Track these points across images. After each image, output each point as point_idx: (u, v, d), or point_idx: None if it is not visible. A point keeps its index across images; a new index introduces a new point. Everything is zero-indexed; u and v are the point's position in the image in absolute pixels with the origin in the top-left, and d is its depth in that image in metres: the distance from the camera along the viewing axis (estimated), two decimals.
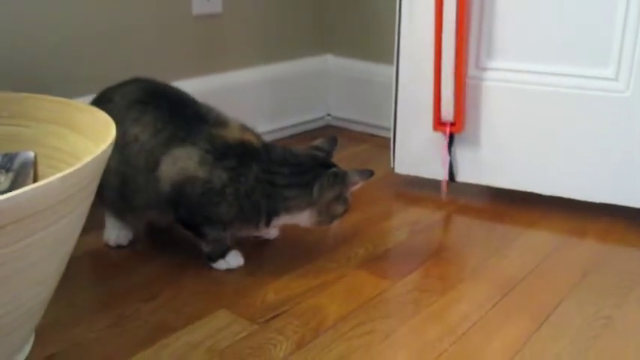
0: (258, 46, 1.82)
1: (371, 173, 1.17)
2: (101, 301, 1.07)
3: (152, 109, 1.15)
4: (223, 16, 1.69)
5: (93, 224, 0.96)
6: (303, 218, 1.16)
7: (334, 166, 1.18)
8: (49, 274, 0.82)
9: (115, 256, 1.21)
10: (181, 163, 1.11)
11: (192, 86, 1.56)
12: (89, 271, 1.17)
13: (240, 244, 1.21)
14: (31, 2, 1.33)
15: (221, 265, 1.18)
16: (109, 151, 0.85)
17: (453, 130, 1.46)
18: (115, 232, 1.24)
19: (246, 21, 1.77)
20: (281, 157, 1.15)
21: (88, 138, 0.99)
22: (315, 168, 1.15)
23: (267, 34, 1.83)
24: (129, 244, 1.24)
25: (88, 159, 0.78)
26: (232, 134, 1.15)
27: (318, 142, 1.23)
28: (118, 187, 1.15)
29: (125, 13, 1.49)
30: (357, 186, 1.17)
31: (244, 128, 1.17)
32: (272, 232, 1.28)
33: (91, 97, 1.21)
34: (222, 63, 1.71)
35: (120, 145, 1.06)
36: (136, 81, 1.22)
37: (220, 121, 1.17)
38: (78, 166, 0.75)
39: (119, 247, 1.23)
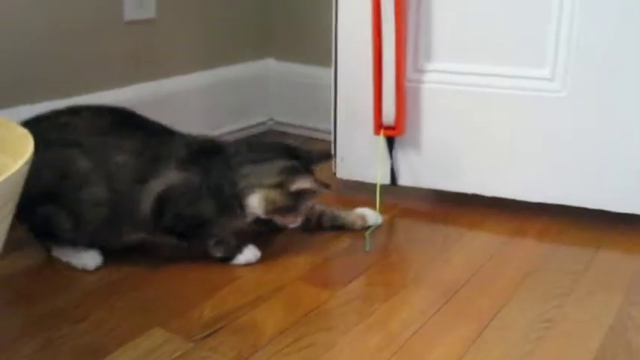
0: (196, 51, 1.77)
1: (326, 185, 1.18)
2: (26, 326, 1.02)
3: (128, 134, 1.16)
4: (157, 21, 1.64)
5: (8, 246, 0.91)
6: (255, 202, 1.16)
7: (306, 163, 1.21)
8: None
9: (38, 277, 1.16)
10: (166, 180, 1.14)
11: (126, 95, 1.52)
12: (10, 296, 1.11)
13: (168, 260, 1.18)
14: None
15: (239, 259, 1.19)
16: (26, 169, 0.80)
17: (393, 133, 1.44)
18: (89, 255, 1.18)
19: (183, 26, 1.72)
20: (246, 141, 1.25)
21: (4, 154, 0.93)
22: (278, 153, 1.20)
23: (206, 39, 1.79)
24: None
25: (2, 177, 0.73)
26: (202, 137, 1.22)
27: (311, 149, 1.32)
28: (103, 217, 1.13)
29: (52, 19, 1.43)
30: (306, 188, 1.17)
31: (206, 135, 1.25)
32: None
33: (12, 110, 1.15)
34: (158, 70, 1.66)
35: (105, 174, 1.11)
36: (88, 108, 1.20)
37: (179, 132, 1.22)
38: None
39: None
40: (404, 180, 1.48)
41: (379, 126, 1.44)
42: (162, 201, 1.13)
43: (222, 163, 1.17)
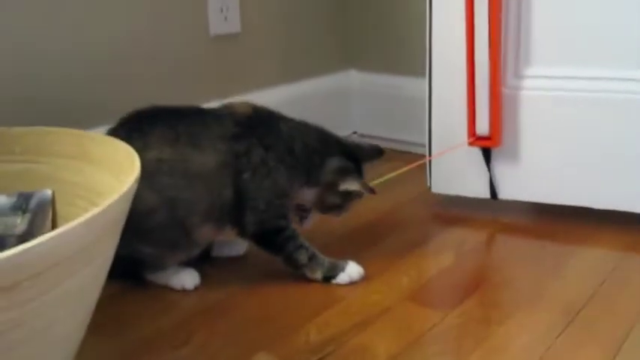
0: (278, 64, 1.74)
1: (372, 190, 1.16)
2: (128, 350, 0.98)
3: (149, 127, 1.10)
4: (242, 35, 1.62)
5: None
6: (306, 193, 1.16)
7: (358, 162, 1.19)
8: (74, 329, 0.73)
9: (134, 300, 1.12)
10: (221, 157, 1.10)
11: None
12: (112, 317, 1.07)
13: (269, 279, 1.14)
14: (40, 30, 1.26)
15: (343, 278, 1.14)
16: (136, 186, 0.77)
17: (489, 144, 1.36)
18: (186, 274, 1.14)
19: (266, 39, 1.69)
20: (301, 122, 1.20)
21: (106, 170, 0.91)
22: (333, 147, 1.18)
23: (288, 52, 1.75)
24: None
25: (114, 197, 0.69)
26: (243, 108, 1.16)
27: (364, 143, 1.27)
28: (167, 222, 1.08)
29: (140, 37, 1.42)
30: (354, 190, 1.16)
31: (246, 101, 1.19)
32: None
33: (107, 127, 1.13)
34: (243, 84, 1.63)
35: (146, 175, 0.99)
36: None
37: (221, 107, 1.18)
38: (103, 206, 0.67)
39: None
40: (504, 193, 1.40)
41: (473, 136, 1.37)
42: (233, 183, 1.09)
43: (290, 129, 1.16)
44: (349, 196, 1.18)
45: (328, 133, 1.22)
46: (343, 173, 1.16)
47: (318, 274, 1.13)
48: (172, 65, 1.49)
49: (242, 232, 1.14)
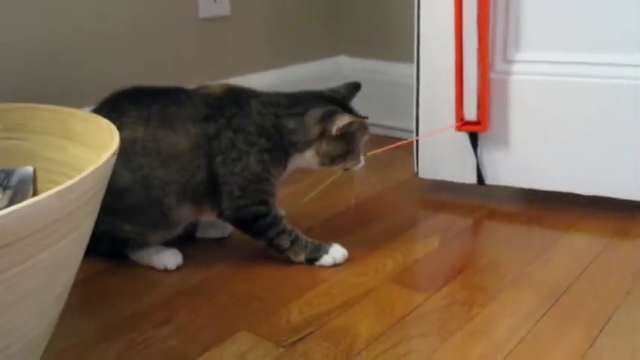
0: (268, 49, 1.73)
1: (364, 116, 1.15)
2: (110, 328, 0.98)
3: (126, 106, 1.09)
4: (231, 18, 1.60)
5: None
6: (309, 157, 1.13)
7: (341, 103, 1.15)
8: (49, 304, 0.72)
9: (118, 279, 1.12)
10: (192, 139, 1.07)
11: None
12: (94, 295, 1.07)
13: (253, 260, 1.13)
14: (26, 7, 1.24)
15: (327, 260, 1.13)
16: (113, 161, 0.76)
17: (477, 129, 1.36)
18: (168, 254, 1.14)
19: (256, 23, 1.68)
20: (276, 93, 1.16)
21: (90, 148, 0.90)
22: (313, 101, 1.13)
23: (278, 37, 1.74)
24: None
25: (88, 170, 0.68)
26: (215, 89, 1.13)
27: (337, 86, 1.21)
28: (143, 200, 1.08)
29: (128, 17, 1.41)
30: (346, 126, 1.10)
31: (223, 83, 1.16)
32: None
33: (92, 107, 1.12)
34: (232, 68, 1.63)
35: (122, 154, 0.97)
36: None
37: (197, 88, 1.15)
38: (78, 178, 0.66)
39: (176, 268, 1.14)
40: (491, 179, 1.40)
41: (460, 121, 1.36)
42: (205, 166, 1.08)
43: (263, 106, 1.11)
44: (350, 137, 1.12)
45: (307, 92, 1.17)
46: (327, 117, 1.10)
47: (302, 257, 1.13)
48: (161, 47, 1.48)
49: (221, 215, 1.12)
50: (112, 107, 1.08)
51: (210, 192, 1.10)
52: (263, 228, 1.11)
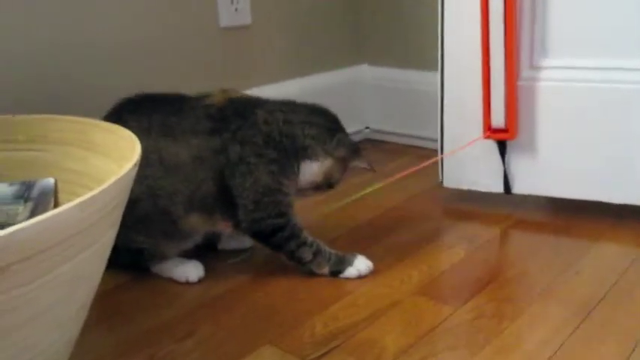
0: (289, 58, 1.72)
1: (373, 169, 1.19)
2: (130, 343, 0.96)
3: (129, 116, 1.08)
4: (252, 27, 1.59)
5: None
6: (314, 169, 1.12)
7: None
8: (69, 317, 0.71)
9: (142, 290, 1.10)
10: (194, 151, 1.06)
11: None
12: (115, 308, 1.06)
13: (275, 271, 1.11)
14: (44, 16, 1.24)
15: (351, 272, 1.11)
16: (134, 172, 0.75)
17: (505, 137, 1.33)
18: (190, 266, 1.12)
19: (277, 32, 1.67)
20: (281, 100, 1.15)
21: (111, 159, 0.89)
22: (330, 121, 1.16)
23: (299, 45, 1.73)
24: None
25: (110, 181, 0.67)
26: (216, 99, 1.11)
27: None
28: (152, 210, 1.06)
29: (148, 26, 1.40)
30: (363, 167, 1.17)
31: (223, 90, 1.14)
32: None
33: None
34: (253, 77, 1.61)
35: None
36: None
37: (198, 95, 1.13)
38: (99, 189, 0.65)
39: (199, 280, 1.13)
40: (518, 188, 1.37)
41: (488, 129, 1.33)
42: (216, 179, 1.06)
43: (270, 114, 1.10)
44: (343, 173, 1.17)
45: (315, 105, 1.18)
46: (356, 150, 1.15)
47: (325, 270, 1.11)
48: (181, 57, 1.47)
49: (237, 227, 1.10)
50: (113, 118, 1.07)
51: (220, 203, 1.08)
52: (282, 241, 1.09)
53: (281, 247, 1.10)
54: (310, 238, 1.10)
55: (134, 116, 1.07)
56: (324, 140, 1.12)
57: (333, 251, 1.12)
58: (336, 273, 1.11)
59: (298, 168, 1.11)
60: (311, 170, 1.12)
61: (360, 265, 1.11)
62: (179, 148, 1.06)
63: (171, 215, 1.07)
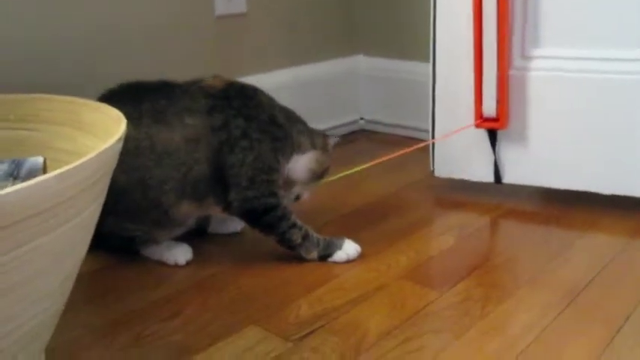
0: (285, 47, 1.72)
1: None
2: (118, 321, 0.97)
3: (116, 106, 1.04)
4: (248, 16, 1.60)
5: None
6: (304, 161, 1.15)
7: None
8: (53, 289, 0.72)
9: (129, 272, 1.11)
10: (190, 131, 1.06)
11: None
12: (104, 288, 1.06)
13: (264, 256, 1.12)
14: (41, 3, 1.25)
15: (340, 256, 1.11)
16: (118, 147, 0.75)
17: (496, 126, 1.34)
18: (179, 249, 1.13)
19: (273, 21, 1.67)
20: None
21: (98, 138, 0.89)
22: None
23: (295, 35, 1.73)
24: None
25: (91, 154, 0.68)
26: (214, 82, 1.12)
27: None
28: (142, 201, 1.06)
29: (142, 15, 1.40)
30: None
31: (215, 75, 1.15)
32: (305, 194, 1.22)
33: None
34: (248, 66, 1.62)
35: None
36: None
37: (191, 81, 1.13)
38: (79, 162, 0.65)
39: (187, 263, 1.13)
40: (509, 177, 1.37)
41: (480, 117, 1.34)
42: (213, 159, 1.07)
43: (269, 100, 1.14)
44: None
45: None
46: (325, 135, 1.21)
47: (314, 254, 1.11)
48: (176, 45, 1.47)
49: (227, 209, 1.10)
50: None
51: (212, 186, 1.08)
52: (273, 221, 1.09)
53: (272, 228, 1.09)
54: (299, 222, 1.11)
55: (121, 105, 1.07)
56: (311, 135, 1.17)
57: (321, 237, 1.12)
58: (325, 257, 1.11)
59: (290, 155, 1.13)
60: (294, 164, 1.15)
61: (349, 248, 1.12)
62: (171, 132, 1.06)
63: (162, 205, 1.07)
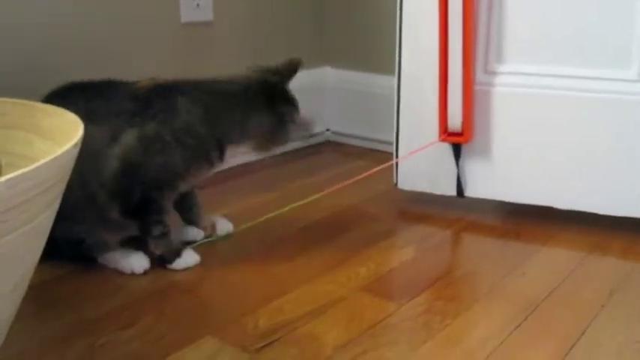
0: (251, 56, 1.71)
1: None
2: (71, 330, 0.95)
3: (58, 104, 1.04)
4: (214, 24, 1.59)
5: None
6: (242, 149, 1.16)
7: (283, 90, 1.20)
8: (3, 296, 0.70)
9: (86, 281, 1.09)
10: (113, 132, 1.07)
11: None
12: (57, 297, 1.04)
13: (223, 266, 1.10)
14: (10, 4, 1.23)
15: (179, 264, 1.12)
16: (74, 153, 0.74)
17: (460, 140, 1.35)
18: (135, 257, 1.12)
19: (240, 30, 1.67)
20: (210, 81, 1.17)
21: (55, 143, 0.88)
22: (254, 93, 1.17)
23: (262, 45, 1.73)
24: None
25: (44, 160, 0.66)
26: (146, 83, 1.12)
27: (279, 64, 1.22)
28: (82, 199, 1.06)
29: (107, 20, 1.39)
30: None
31: (152, 78, 1.14)
32: None
33: None
34: (213, 74, 1.60)
35: None
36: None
37: (129, 82, 1.13)
38: (31, 167, 0.64)
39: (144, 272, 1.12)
40: (471, 191, 1.38)
41: (444, 132, 1.35)
42: (125, 162, 1.06)
43: (193, 102, 1.11)
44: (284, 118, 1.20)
45: (245, 77, 1.20)
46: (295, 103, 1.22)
47: (157, 251, 1.11)
48: (141, 52, 1.46)
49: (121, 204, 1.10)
50: None
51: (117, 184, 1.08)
52: (147, 210, 1.10)
53: (143, 215, 1.10)
54: (167, 222, 1.12)
55: (64, 105, 1.06)
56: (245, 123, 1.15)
57: (175, 243, 1.13)
58: (164, 260, 1.12)
59: (223, 152, 1.13)
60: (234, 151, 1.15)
61: (188, 257, 1.13)
62: (101, 132, 1.06)
63: (98, 203, 1.07)
